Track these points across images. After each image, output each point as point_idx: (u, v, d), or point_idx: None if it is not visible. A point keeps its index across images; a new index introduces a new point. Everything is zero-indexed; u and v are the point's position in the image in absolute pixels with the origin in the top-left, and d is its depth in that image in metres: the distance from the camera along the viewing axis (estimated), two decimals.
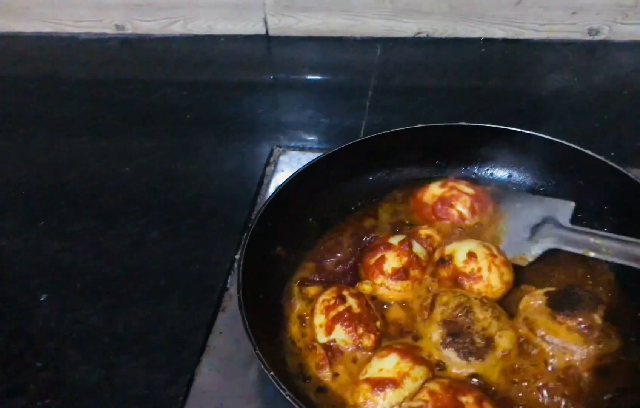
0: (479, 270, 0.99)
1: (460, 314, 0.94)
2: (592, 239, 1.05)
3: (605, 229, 1.07)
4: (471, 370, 0.89)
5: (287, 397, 0.79)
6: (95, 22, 1.93)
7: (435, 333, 0.93)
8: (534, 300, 0.96)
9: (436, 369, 0.90)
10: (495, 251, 1.03)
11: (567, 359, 0.89)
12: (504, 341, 0.91)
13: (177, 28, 1.89)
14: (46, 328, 1.08)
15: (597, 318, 0.91)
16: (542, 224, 1.11)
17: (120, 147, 1.51)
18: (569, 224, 1.09)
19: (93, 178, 1.41)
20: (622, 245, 1.01)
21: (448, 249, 1.04)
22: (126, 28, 1.91)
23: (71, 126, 1.60)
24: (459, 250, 1.03)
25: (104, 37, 1.94)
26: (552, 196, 1.16)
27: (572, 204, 1.12)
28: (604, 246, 1.03)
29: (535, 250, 1.08)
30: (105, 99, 1.71)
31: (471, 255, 1.01)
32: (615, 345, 0.90)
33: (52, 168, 1.47)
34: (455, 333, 0.92)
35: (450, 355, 0.90)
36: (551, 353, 0.90)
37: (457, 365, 0.90)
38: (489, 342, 0.91)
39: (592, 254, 1.03)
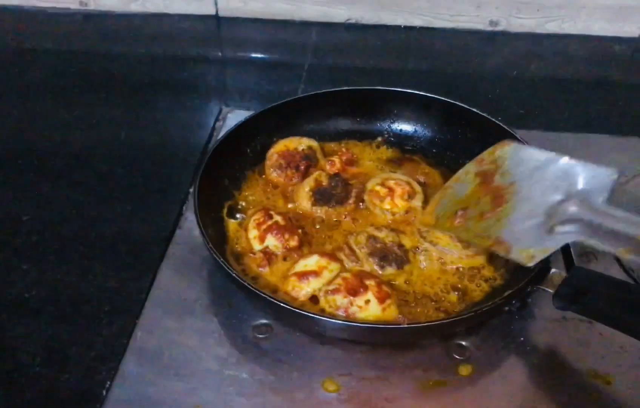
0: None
1: (373, 242, 1.16)
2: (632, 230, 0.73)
3: None
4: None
5: (234, 275, 1.02)
6: None
7: (372, 266, 1.13)
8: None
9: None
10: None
11: (450, 258, 1.15)
12: (407, 241, 1.18)
13: (136, 6, 2.01)
14: (29, 242, 1.25)
15: None
16: (564, 203, 0.81)
17: (83, 109, 1.64)
18: (605, 206, 0.77)
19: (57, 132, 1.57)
20: None
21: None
22: (89, 4, 2.02)
23: (35, 93, 1.70)
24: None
25: (68, 11, 2.03)
26: (446, 147, 1.38)
27: (615, 175, 0.79)
28: None
29: (548, 244, 0.82)
30: (69, 69, 1.82)
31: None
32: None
33: (16, 131, 1.57)
34: (383, 255, 1.14)
35: (390, 270, 1.12)
36: (437, 255, 1.16)
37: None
38: (402, 247, 1.16)
39: (629, 256, 0.72)
